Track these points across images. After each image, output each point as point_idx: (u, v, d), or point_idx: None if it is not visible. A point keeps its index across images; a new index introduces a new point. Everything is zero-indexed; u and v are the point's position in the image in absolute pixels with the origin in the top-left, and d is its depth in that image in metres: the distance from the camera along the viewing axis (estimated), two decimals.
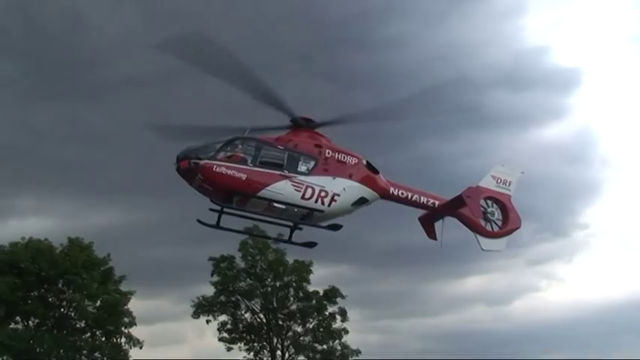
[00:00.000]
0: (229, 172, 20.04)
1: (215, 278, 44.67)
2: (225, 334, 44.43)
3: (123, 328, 41.97)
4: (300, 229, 21.78)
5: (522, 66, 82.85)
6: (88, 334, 41.58)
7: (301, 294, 44.57)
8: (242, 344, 44.54)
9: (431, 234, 23.77)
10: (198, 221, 20.64)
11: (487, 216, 23.27)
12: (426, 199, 22.75)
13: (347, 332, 44.47)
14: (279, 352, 44.32)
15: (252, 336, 44.86)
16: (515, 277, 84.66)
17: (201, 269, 43.33)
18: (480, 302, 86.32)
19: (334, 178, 21.10)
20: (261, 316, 44.89)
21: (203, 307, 44.92)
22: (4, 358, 39.06)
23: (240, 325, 44.85)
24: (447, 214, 23.37)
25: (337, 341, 44.59)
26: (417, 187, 23.05)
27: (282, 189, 20.42)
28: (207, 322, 45.17)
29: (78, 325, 41.73)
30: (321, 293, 44.54)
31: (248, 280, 44.28)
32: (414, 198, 22.57)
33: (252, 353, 44.66)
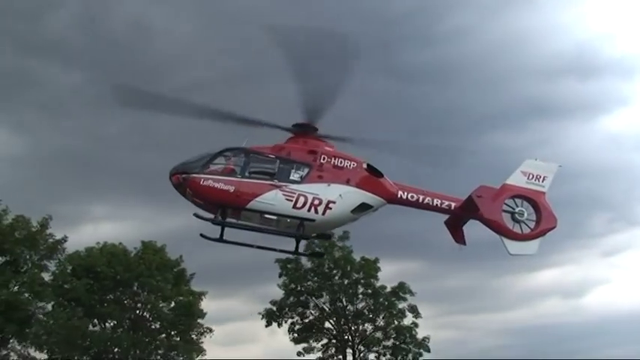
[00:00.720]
0: (216, 185, 19.62)
1: (283, 279, 45.23)
2: (295, 335, 44.92)
3: (194, 336, 43.00)
4: (307, 238, 21.15)
5: (587, 54, 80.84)
6: (164, 335, 42.63)
7: (369, 291, 44.53)
8: (312, 343, 44.92)
9: (459, 239, 22.34)
10: (202, 235, 20.23)
11: (515, 216, 21.47)
12: (439, 202, 21.29)
13: (417, 326, 44.18)
14: (349, 350, 44.52)
15: (322, 334, 45.20)
16: (588, 269, 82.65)
17: (269, 269, 43.88)
18: (553, 295, 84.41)
19: (329, 185, 20.14)
20: (330, 314, 45.15)
21: (273, 315, 45.48)
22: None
23: (310, 324, 45.20)
24: (468, 217, 21.90)
25: (408, 337, 44.38)
26: (432, 190, 21.39)
27: (273, 199, 19.70)
28: (279, 325, 45.77)
29: (153, 327, 42.82)
30: (389, 290, 44.43)
31: (315, 279, 44.54)
32: (425, 201, 21.17)
33: (321, 352, 44.96)
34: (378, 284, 44.39)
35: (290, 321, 45.06)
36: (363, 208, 20.60)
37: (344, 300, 44.83)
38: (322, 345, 44.85)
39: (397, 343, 43.91)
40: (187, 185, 19.91)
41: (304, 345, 44.72)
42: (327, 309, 45.10)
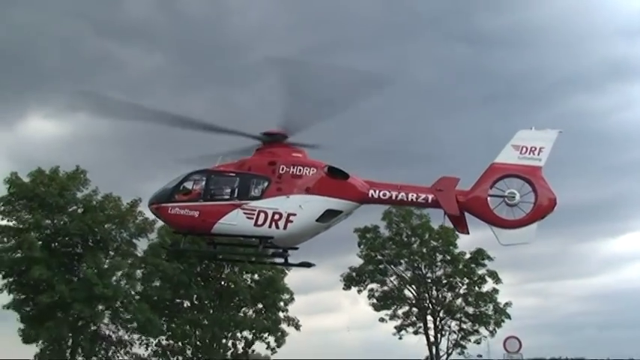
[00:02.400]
0: (182, 212, 19.27)
1: (362, 248, 45.65)
2: (375, 300, 45.42)
3: (282, 304, 43.90)
4: (296, 248, 20.22)
5: None
6: (251, 312, 43.76)
7: (448, 258, 44.49)
8: (393, 310, 45.36)
9: (462, 228, 20.45)
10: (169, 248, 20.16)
11: (506, 201, 19.06)
12: (415, 196, 19.32)
13: (497, 292, 43.93)
14: (429, 317, 44.73)
15: (402, 302, 45.56)
16: None
17: (349, 240, 44.41)
18: (638, 260, 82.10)
19: (288, 197, 19.03)
20: (410, 281, 45.39)
21: (352, 279, 46.06)
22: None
23: (389, 292, 45.60)
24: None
25: (489, 304, 44.18)
26: (406, 182, 19.63)
27: (234, 219, 19.00)
28: (359, 291, 46.34)
29: (237, 300, 44.00)
30: (468, 256, 44.28)
31: (394, 247, 44.79)
32: (399, 198, 19.38)
33: (402, 319, 45.37)
34: (457, 251, 44.32)
35: (369, 287, 45.63)
36: (330, 215, 19.25)
37: (423, 267, 44.99)
38: (403, 313, 45.24)
39: (478, 309, 43.77)
40: (159, 214, 19.96)
41: (386, 312, 45.27)
42: (406, 277, 45.40)
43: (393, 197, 19.35)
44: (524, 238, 19.24)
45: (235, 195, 19.32)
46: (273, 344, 42.94)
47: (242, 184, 19.41)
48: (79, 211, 37.46)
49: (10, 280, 35.38)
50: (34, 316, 35.34)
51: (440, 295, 44.99)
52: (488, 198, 19.11)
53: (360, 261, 45.62)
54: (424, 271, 45.20)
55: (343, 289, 46.18)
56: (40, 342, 36.08)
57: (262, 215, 18.87)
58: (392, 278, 45.75)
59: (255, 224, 18.88)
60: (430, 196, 19.15)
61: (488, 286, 43.76)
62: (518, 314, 45.20)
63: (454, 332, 44.39)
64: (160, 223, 39.45)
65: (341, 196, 19.19)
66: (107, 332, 38.59)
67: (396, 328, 45.21)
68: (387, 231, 45.08)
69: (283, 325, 43.01)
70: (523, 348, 31.74)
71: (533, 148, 19.06)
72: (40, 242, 36.43)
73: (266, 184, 19.23)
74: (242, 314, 43.02)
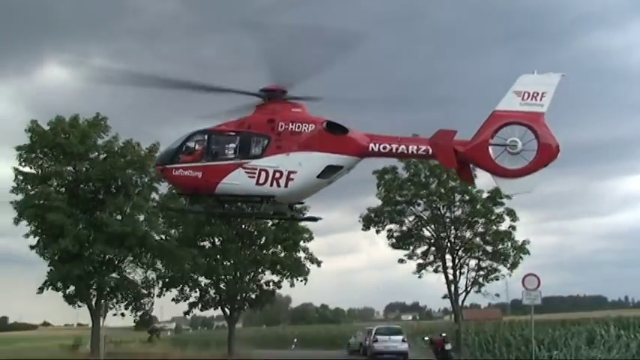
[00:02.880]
0: (186, 172, 19.37)
1: (380, 190, 45.88)
2: (394, 240, 45.91)
3: (302, 243, 44.54)
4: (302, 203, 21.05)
5: None
6: (270, 250, 44.51)
7: (467, 197, 44.61)
8: (412, 249, 45.86)
9: (467, 178, 21.22)
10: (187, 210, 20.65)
11: (509, 150, 18.65)
12: (416, 148, 19.21)
13: (514, 229, 44.10)
14: (448, 256, 45.16)
15: (421, 241, 46.01)
16: None
17: (368, 181, 44.72)
18: None
19: (288, 155, 18.97)
20: (428, 221, 45.72)
21: (370, 220, 46.47)
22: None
23: (408, 232, 46.01)
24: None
25: (507, 242, 44.42)
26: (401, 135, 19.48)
27: (237, 178, 19.06)
28: (377, 232, 46.79)
29: (259, 242, 44.74)
30: (486, 195, 44.33)
31: (412, 188, 44.96)
32: (400, 150, 19.28)
33: (421, 258, 45.97)
34: (475, 191, 44.38)
35: (388, 227, 46.04)
36: (331, 170, 19.27)
37: (441, 208, 45.23)
38: (421, 252, 45.72)
39: (496, 247, 44.03)
40: (165, 176, 20.51)
41: (405, 252, 45.78)
42: (424, 217, 45.68)
43: (394, 150, 19.23)
44: (526, 186, 19.03)
45: (236, 154, 19.34)
46: (296, 281, 44.02)
47: (242, 142, 19.42)
48: (101, 157, 38.01)
49: (35, 224, 36.11)
50: (58, 259, 36.14)
51: (458, 234, 45.28)
52: (490, 147, 18.78)
53: (379, 202, 45.94)
54: (442, 211, 45.44)
55: (362, 230, 46.72)
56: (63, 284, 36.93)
57: (263, 174, 18.88)
58: (410, 219, 46.12)
59: (257, 183, 18.92)
60: (430, 148, 19.00)
61: (506, 224, 43.94)
62: (537, 253, 45.65)
63: (473, 270, 44.87)
64: None
65: (341, 151, 19.09)
66: (132, 274, 39.48)
67: (417, 266, 45.80)
68: (406, 172, 45.20)
69: (305, 263, 43.92)
70: (542, 286, 32.24)
71: (535, 94, 18.52)
72: (63, 189, 37.18)
73: (266, 142, 19.21)
74: (265, 253, 43.80)
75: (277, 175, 18.88)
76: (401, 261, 46.03)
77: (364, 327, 54.67)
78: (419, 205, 45.71)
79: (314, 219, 22.27)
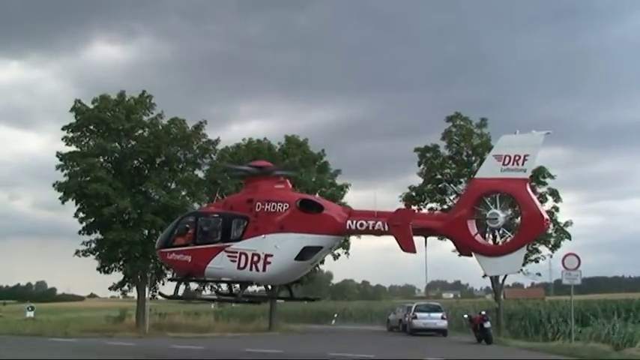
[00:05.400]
0: (177, 257, 19.17)
1: (422, 168, 45.83)
2: None
3: None
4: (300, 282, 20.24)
5: None
6: None
7: None
8: None
9: (466, 253, 18.71)
10: (160, 294, 20.54)
11: (487, 223, 17.33)
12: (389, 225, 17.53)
13: (557, 210, 43.57)
14: (489, 235, 44.81)
15: None
16: None
17: (410, 160, 44.70)
18: None
19: (264, 237, 18.11)
20: None
21: (412, 199, 46.44)
22: None
23: (449, 210, 45.86)
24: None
25: (550, 222, 43.97)
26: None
27: (220, 263, 18.58)
28: (418, 210, 46.72)
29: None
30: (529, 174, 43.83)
31: (454, 166, 44.81)
32: (377, 227, 17.69)
33: None
34: None
35: (429, 205, 46.00)
36: (309, 252, 18.21)
37: None
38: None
39: None
40: (163, 259, 20.60)
41: None
42: None
43: (370, 227, 17.87)
44: (511, 266, 17.59)
45: (219, 237, 18.90)
46: (338, 254, 44.38)
47: (225, 225, 18.97)
48: (146, 134, 38.65)
49: (82, 203, 36.89)
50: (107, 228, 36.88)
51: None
52: (468, 222, 17.32)
53: (420, 180, 45.92)
54: None
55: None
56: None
57: (243, 257, 18.25)
58: (451, 197, 45.95)
59: (238, 267, 18.34)
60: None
61: (549, 204, 43.49)
62: (581, 233, 45.46)
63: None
64: (221, 143, 40.59)
65: (317, 231, 18.05)
66: None
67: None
68: (447, 150, 45.04)
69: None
70: (585, 266, 32.07)
71: (517, 157, 16.52)
72: (109, 165, 37.97)
73: (245, 223, 18.59)
74: None
75: (255, 258, 18.12)
76: (441, 239, 45.94)
77: (404, 304, 54.96)
78: (460, 183, 45.50)
79: (310, 299, 22.18)
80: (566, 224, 43.53)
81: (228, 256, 18.44)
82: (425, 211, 45.60)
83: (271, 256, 17.99)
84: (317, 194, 44.30)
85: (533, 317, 42.10)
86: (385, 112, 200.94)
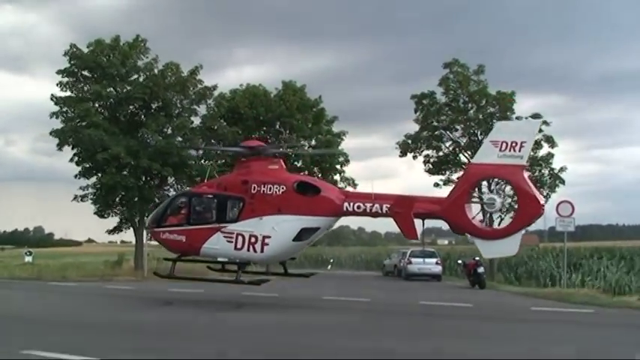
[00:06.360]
0: (172, 236, 19.44)
1: (418, 115, 45.76)
2: (430, 166, 46.03)
3: (338, 167, 44.98)
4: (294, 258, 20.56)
5: None
6: (306, 173, 45.00)
7: None
8: (447, 175, 45.98)
9: (462, 232, 19.45)
10: (155, 273, 21.04)
11: (485, 208, 17.98)
12: (388, 206, 18.11)
13: (552, 156, 43.71)
14: (484, 182, 45.00)
15: (458, 167, 46.03)
16: None
17: (406, 107, 44.62)
18: None
19: (261, 218, 18.50)
20: (465, 147, 45.61)
21: (407, 146, 46.49)
22: None
23: (445, 157, 46.02)
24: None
25: (545, 169, 44.20)
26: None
27: (217, 243, 18.87)
28: (414, 157, 46.86)
29: (295, 164, 45.25)
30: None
31: (450, 113, 44.75)
32: (374, 210, 18.20)
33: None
34: (514, 117, 43.96)
35: (425, 153, 46.09)
36: (307, 233, 18.67)
37: (479, 134, 45.01)
38: (457, 178, 45.69)
39: (533, 174, 43.85)
40: (155, 238, 20.58)
41: (440, 177, 45.96)
42: (461, 143, 45.57)
43: (367, 209, 18.35)
44: (507, 249, 17.83)
45: (215, 218, 19.20)
46: None
47: (220, 205, 19.25)
48: (141, 79, 38.42)
49: (78, 150, 36.96)
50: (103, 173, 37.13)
51: None
52: (465, 206, 17.74)
53: (417, 127, 45.91)
54: (480, 137, 45.19)
55: (399, 156, 46.80)
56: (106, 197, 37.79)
57: (240, 239, 18.58)
58: (448, 144, 46.07)
59: (235, 248, 18.71)
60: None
61: (544, 151, 43.61)
62: (578, 181, 45.77)
63: (508, 196, 44.83)
64: (218, 89, 40.35)
65: (314, 213, 18.50)
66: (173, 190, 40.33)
67: None
68: (444, 97, 44.94)
69: (341, 185, 44.36)
70: (580, 214, 32.37)
71: (513, 144, 16.89)
72: (104, 111, 37.86)
73: (241, 204, 18.89)
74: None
75: (253, 239, 18.49)
76: (436, 185, 46.19)
77: (399, 250, 55.54)
78: (456, 130, 45.56)
79: (306, 275, 22.47)
80: (561, 170, 43.79)
81: (225, 236, 18.78)
82: (420, 158, 45.93)
83: (269, 237, 18.39)
84: (313, 141, 44.45)
85: (527, 263, 42.56)
86: (383, 59, 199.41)
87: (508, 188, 18.37)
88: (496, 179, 17.69)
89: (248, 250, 18.58)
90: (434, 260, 43.78)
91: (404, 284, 37.64)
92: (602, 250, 44.57)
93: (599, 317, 19.44)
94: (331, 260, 71.46)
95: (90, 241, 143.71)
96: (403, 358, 11.20)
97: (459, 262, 42.64)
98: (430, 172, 46.02)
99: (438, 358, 11.34)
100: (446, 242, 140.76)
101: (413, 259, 43.70)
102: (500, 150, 17.00)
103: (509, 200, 18.10)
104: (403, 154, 46.65)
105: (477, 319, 18.75)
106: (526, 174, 17.70)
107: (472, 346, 12.89)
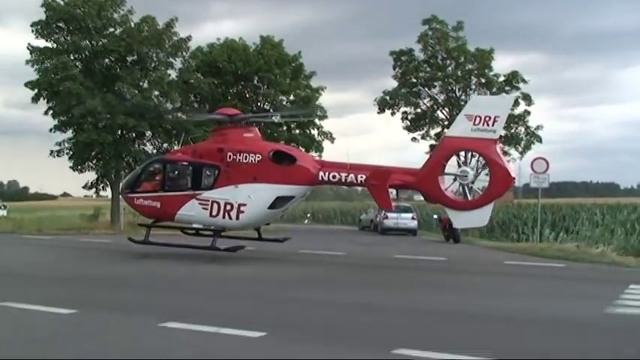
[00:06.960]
0: (146, 202, 19.61)
1: (396, 71, 45.73)
2: (408, 122, 46.23)
3: (316, 121, 44.92)
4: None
5: None
6: (285, 128, 44.97)
7: (483, 81, 44.42)
8: (425, 130, 46.22)
9: (434, 201, 20.33)
10: (129, 239, 20.61)
11: (458, 180, 18.30)
12: (363, 177, 18.66)
13: (529, 114, 44.05)
14: None
15: (435, 123, 46.30)
16: None
17: (385, 63, 44.56)
18: None
19: (237, 186, 18.84)
20: (443, 104, 45.82)
21: (385, 103, 46.56)
22: None
23: (422, 114, 46.21)
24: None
25: (521, 126, 44.58)
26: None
27: (192, 210, 19.14)
28: (392, 114, 46.99)
29: (274, 119, 45.12)
30: (503, 79, 44.09)
31: (428, 70, 44.79)
32: (349, 179, 18.80)
33: (434, 140, 46.07)
34: (492, 74, 44.15)
35: (403, 109, 46.22)
36: (281, 201, 19.08)
37: (457, 90, 45.22)
38: (435, 134, 46.08)
39: (509, 131, 44.22)
40: (129, 203, 20.70)
41: (418, 132, 46.16)
42: (439, 99, 45.74)
43: (343, 179, 18.94)
44: (479, 220, 18.62)
45: (190, 185, 19.43)
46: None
47: (195, 173, 19.48)
48: (117, 32, 37.87)
49: (53, 103, 36.59)
50: (79, 128, 36.95)
51: None
52: (439, 177, 18.31)
53: (395, 84, 45.92)
54: (458, 94, 45.41)
55: (377, 113, 46.90)
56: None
57: (215, 206, 18.89)
58: (425, 101, 46.22)
59: (210, 215, 19.05)
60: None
61: (521, 108, 43.93)
62: (554, 139, 46.50)
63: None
64: (194, 42, 39.88)
65: (290, 181, 18.88)
66: (151, 147, 40.16)
67: (430, 147, 46.27)
68: (422, 54, 44.96)
69: (320, 140, 44.41)
70: (555, 171, 32.74)
71: (487, 118, 17.44)
72: (79, 64, 37.37)
73: (217, 172, 19.19)
74: (279, 133, 44.24)
75: (228, 207, 18.82)
76: (414, 139, 46.50)
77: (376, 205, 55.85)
78: (435, 87, 45.70)
79: (281, 240, 22.59)
80: (538, 128, 44.20)
81: (200, 203, 19.06)
82: (398, 114, 46.03)
83: (245, 205, 18.76)
84: (292, 96, 44.26)
85: (501, 219, 43.13)
86: (362, 14, 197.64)
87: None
88: (469, 152, 17.87)
89: (223, 217, 18.96)
90: (410, 215, 44.17)
91: (380, 238, 38.02)
92: (576, 207, 45.15)
93: (569, 271, 19.85)
94: (308, 215, 71.79)
95: (65, 195, 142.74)
96: (378, 309, 11.42)
97: (435, 216, 43.08)
98: (408, 129, 46.27)
99: (413, 309, 11.58)
100: (422, 197, 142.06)
101: (389, 214, 44.02)
102: (474, 124, 17.55)
103: (482, 172, 18.48)
104: (381, 110, 46.74)
105: (450, 272, 19.11)
106: (498, 147, 18.47)
107: (445, 298, 13.18)
